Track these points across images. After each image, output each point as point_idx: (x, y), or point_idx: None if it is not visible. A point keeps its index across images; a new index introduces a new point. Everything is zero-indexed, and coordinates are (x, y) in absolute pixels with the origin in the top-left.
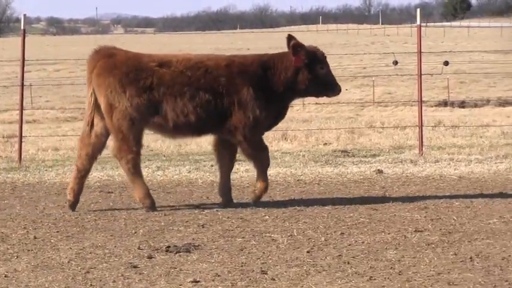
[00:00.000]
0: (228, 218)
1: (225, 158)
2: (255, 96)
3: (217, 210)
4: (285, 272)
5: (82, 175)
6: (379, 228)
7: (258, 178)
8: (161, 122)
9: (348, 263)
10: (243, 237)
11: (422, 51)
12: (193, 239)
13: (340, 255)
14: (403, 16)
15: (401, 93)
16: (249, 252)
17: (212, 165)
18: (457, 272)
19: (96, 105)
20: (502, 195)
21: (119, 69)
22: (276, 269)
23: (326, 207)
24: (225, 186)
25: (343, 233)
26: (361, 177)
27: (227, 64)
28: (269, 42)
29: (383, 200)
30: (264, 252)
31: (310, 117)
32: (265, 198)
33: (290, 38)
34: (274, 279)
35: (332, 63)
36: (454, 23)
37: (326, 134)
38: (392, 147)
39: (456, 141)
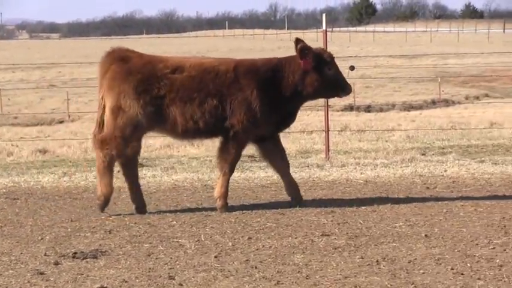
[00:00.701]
0: (135, 223)
1: (277, 157)
2: (260, 99)
3: (124, 216)
4: (193, 277)
5: None
6: (286, 232)
7: (220, 183)
8: (172, 128)
9: (256, 267)
10: (151, 243)
11: None
12: (100, 245)
13: (247, 260)
14: (308, 21)
15: None
16: (156, 258)
17: (119, 171)
18: (364, 276)
19: None
20: (407, 199)
21: (134, 76)
22: (184, 274)
23: (233, 212)
24: (291, 184)
25: (251, 238)
26: (268, 182)
27: (236, 66)
28: (176, 47)
29: (290, 204)
30: (171, 258)
31: None
32: (172, 203)
33: (298, 41)
34: (181, 285)
35: None
36: (359, 28)
37: None
38: (298, 151)
39: (362, 145)
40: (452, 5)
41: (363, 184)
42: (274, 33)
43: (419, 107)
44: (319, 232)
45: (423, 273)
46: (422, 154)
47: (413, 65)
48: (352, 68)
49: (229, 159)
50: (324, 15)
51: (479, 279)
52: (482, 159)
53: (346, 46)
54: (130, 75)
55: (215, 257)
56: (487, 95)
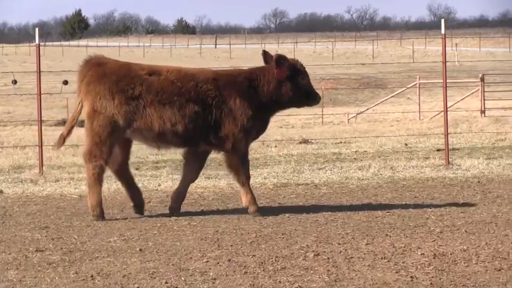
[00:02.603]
0: None
1: (193, 169)
2: (244, 108)
3: None
4: None
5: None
6: (0, 248)
7: (243, 192)
8: (147, 130)
9: None
10: None
11: (41, 70)
12: None
13: None
14: (21, 35)
15: (20, 112)
16: None
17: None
18: None
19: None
20: (122, 213)
21: (108, 78)
22: None
23: None
24: (180, 194)
25: None
26: None
27: (215, 77)
28: None
29: (3, 220)
30: None
31: None
32: None
33: (265, 52)
34: None
35: None
36: (72, 43)
37: None
38: (12, 166)
39: (76, 160)
40: (164, 20)
41: (77, 199)
42: None
43: None
44: (33, 248)
45: (138, 287)
46: (136, 169)
47: None
48: (65, 82)
49: (239, 169)
50: (36, 29)
51: None
52: None
53: (59, 61)
54: (105, 76)
55: None
56: None
